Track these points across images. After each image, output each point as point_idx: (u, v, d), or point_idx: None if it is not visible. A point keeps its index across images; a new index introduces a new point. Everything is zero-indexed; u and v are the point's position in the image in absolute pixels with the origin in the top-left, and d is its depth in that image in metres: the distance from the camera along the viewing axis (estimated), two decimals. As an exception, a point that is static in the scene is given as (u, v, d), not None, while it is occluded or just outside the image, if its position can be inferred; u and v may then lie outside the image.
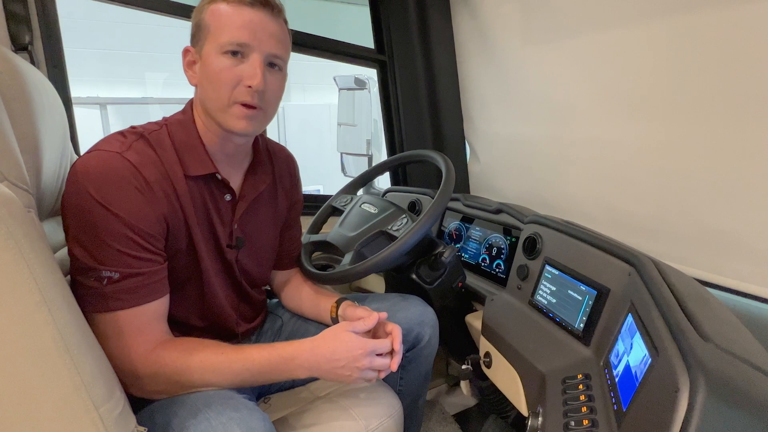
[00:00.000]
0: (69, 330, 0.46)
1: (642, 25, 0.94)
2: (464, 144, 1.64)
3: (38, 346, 0.43)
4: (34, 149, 0.64)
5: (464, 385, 1.10)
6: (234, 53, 0.69)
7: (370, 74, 1.73)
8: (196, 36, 0.72)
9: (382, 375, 0.77)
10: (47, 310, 0.44)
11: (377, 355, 0.75)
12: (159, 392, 0.68)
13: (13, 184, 0.51)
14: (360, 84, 1.79)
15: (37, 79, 0.72)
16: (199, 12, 0.72)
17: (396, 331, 0.80)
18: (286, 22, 0.76)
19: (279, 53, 0.73)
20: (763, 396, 0.43)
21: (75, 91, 1.21)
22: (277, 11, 0.72)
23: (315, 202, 1.46)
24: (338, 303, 0.92)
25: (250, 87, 0.70)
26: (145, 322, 0.68)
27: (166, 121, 0.76)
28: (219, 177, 0.77)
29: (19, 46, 1.06)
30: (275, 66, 0.74)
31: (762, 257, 0.85)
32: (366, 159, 1.88)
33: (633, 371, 0.56)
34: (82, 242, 0.63)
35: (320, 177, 4.28)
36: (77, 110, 1.22)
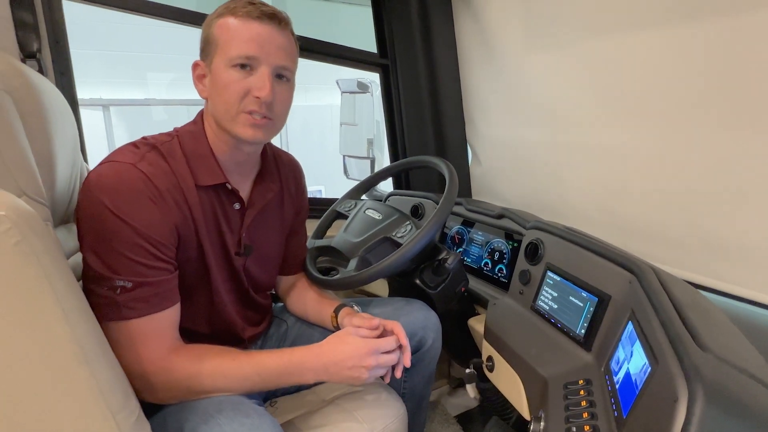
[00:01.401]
0: (87, 341, 0.48)
1: (643, 32, 0.95)
2: (466, 147, 1.65)
3: (58, 358, 0.45)
4: (48, 161, 0.66)
5: (470, 388, 1.12)
6: (243, 66, 0.71)
7: (373, 77, 1.74)
8: (205, 50, 0.74)
9: (398, 373, 0.80)
10: (66, 323, 0.45)
11: (383, 353, 0.77)
12: (171, 398, 0.70)
13: (31, 198, 0.53)
14: (363, 87, 1.80)
15: (48, 89, 0.74)
16: (207, 26, 0.73)
17: (397, 328, 0.83)
18: (292, 33, 0.77)
19: (287, 64, 0.74)
20: (760, 406, 0.44)
21: (78, 93, 1.21)
22: (284, 24, 0.74)
23: (318, 205, 1.47)
24: (337, 312, 0.94)
25: (258, 98, 0.71)
26: (157, 329, 0.69)
27: (177, 132, 0.78)
28: (229, 187, 0.79)
29: (28, 54, 1.07)
30: (283, 77, 0.75)
31: (760, 262, 0.86)
32: (368, 162, 1.89)
33: (633, 379, 0.57)
34: (97, 251, 0.65)
35: (322, 178, 4.27)
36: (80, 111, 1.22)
